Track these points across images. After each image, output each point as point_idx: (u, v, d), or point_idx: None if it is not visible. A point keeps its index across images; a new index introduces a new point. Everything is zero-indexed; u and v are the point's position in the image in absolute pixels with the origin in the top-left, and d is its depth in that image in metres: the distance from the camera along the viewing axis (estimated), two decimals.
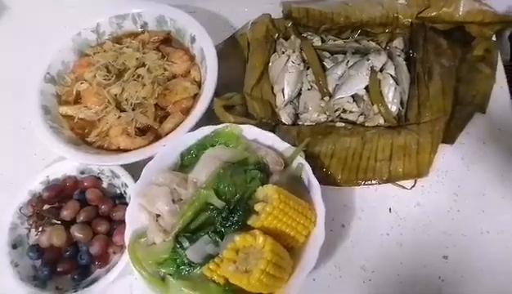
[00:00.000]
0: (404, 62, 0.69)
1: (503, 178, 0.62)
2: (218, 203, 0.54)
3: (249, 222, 0.53)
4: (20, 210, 0.63)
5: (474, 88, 0.68)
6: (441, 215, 0.61)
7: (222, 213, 0.53)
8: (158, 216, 0.57)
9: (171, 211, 0.56)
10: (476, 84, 0.68)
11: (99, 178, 0.67)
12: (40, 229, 0.62)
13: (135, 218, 0.57)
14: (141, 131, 0.67)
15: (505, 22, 0.71)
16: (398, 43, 0.71)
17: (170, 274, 0.54)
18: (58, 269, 0.61)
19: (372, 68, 0.67)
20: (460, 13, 0.70)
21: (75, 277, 0.60)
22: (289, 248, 0.54)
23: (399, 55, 0.69)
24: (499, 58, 0.70)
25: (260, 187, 0.54)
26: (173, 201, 0.57)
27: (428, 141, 0.62)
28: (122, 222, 0.59)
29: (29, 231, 0.64)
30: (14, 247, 0.62)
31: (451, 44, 0.69)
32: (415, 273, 0.57)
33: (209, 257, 0.52)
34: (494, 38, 0.72)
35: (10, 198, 0.65)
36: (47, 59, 0.72)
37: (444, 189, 0.62)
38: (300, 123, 0.67)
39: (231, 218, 0.53)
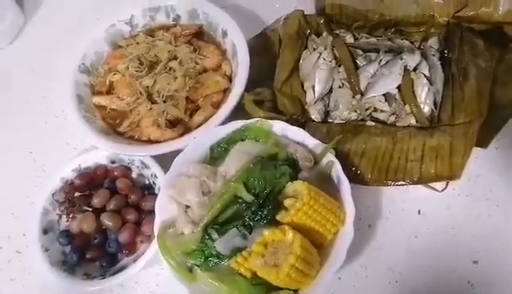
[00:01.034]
0: (439, 62, 0.67)
1: None
2: (247, 197, 0.54)
3: (278, 217, 0.53)
4: (52, 196, 0.64)
5: (511, 91, 0.66)
6: (472, 219, 0.60)
7: (252, 207, 0.53)
8: (187, 207, 0.57)
9: (200, 203, 0.56)
10: None
11: (129, 168, 0.68)
12: (71, 215, 0.64)
13: (164, 208, 0.58)
14: (172, 124, 0.68)
15: None
16: (433, 43, 0.70)
17: (197, 265, 0.54)
18: (87, 256, 0.62)
19: (405, 67, 0.66)
20: (500, 13, 0.68)
21: (103, 264, 0.61)
22: (317, 245, 0.54)
23: (434, 55, 0.68)
24: None
25: (290, 183, 0.54)
26: (203, 193, 0.57)
27: (462, 144, 0.60)
28: (150, 212, 0.60)
29: (60, 217, 0.65)
30: (45, 232, 0.64)
31: (488, 45, 0.67)
32: (444, 278, 0.57)
33: (237, 250, 0.53)
34: None
35: (42, 184, 0.67)
36: (81, 49, 0.74)
37: (476, 193, 0.61)
38: (330, 121, 0.67)
39: (260, 212, 0.53)
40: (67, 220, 0.64)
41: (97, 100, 0.71)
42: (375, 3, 0.71)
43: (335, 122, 0.67)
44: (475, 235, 0.59)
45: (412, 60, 0.67)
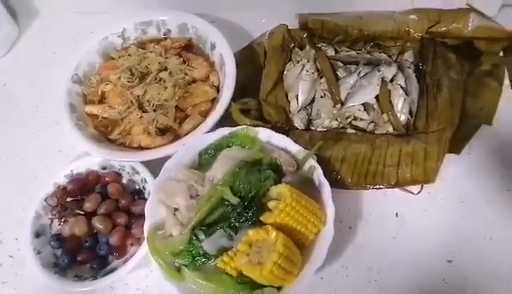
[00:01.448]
0: (414, 74, 0.71)
1: (507, 187, 0.64)
2: (233, 200, 0.56)
3: (262, 218, 0.55)
4: (45, 200, 0.66)
5: (482, 101, 0.70)
6: (446, 220, 0.63)
7: (237, 209, 0.56)
8: (176, 210, 0.60)
9: (188, 206, 0.59)
10: (483, 97, 0.70)
11: (120, 174, 0.70)
12: (63, 219, 0.66)
13: (154, 211, 0.60)
14: (162, 131, 0.71)
15: None
16: (409, 56, 0.74)
17: (185, 265, 0.57)
18: (78, 259, 0.64)
19: (383, 78, 0.70)
20: (469, 28, 0.73)
21: (94, 266, 0.63)
22: (299, 245, 0.56)
23: (409, 67, 0.72)
24: (506, 73, 0.72)
25: (274, 186, 0.57)
26: (191, 196, 0.60)
27: (435, 150, 0.64)
28: (140, 216, 0.63)
29: (52, 221, 0.67)
30: (37, 235, 0.65)
31: (459, 58, 0.72)
32: (420, 276, 0.59)
33: (223, 250, 0.55)
34: (501, 54, 0.75)
35: (34, 190, 0.69)
36: (75, 60, 0.77)
37: (450, 196, 0.64)
38: (313, 128, 0.71)
39: (246, 214, 0.56)
40: (59, 224, 0.66)
41: (89, 108, 0.74)
42: (354, 19, 0.76)
43: (317, 129, 0.70)
44: (450, 236, 0.62)
45: (389, 72, 0.71)
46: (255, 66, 0.78)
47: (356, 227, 0.64)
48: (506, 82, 0.72)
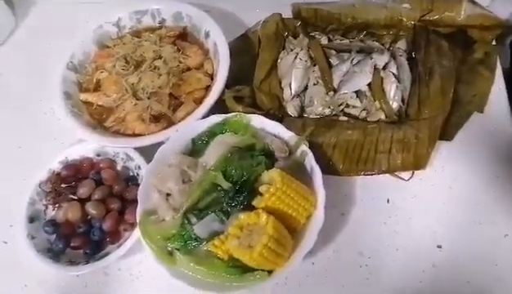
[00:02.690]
0: (406, 62, 0.72)
1: (496, 174, 0.64)
2: (225, 184, 0.57)
3: (254, 203, 0.56)
4: (39, 186, 0.67)
5: (474, 89, 0.71)
6: (436, 206, 0.63)
7: (229, 193, 0.56)
8: (168, 194, 0.60)
9: (180, 191, 0.59)
10: (475, 85, 0.71)
11: (114, 161, 0.71)
12: (57, 205, 0.66)
13: (146, 196, 0.61)
14: (156, 118, 0.71)
15: (505, 27, 0.74)
16: (401, 44, 0.75)
17: (177, 249, 0.57)
18: (72, 244, 0.64)
19: (375, 66, 0.71)
20: (462, 17, 0.73)
21: (87, 251, 0.64)
22: (290, 229, 0.57)
23: (401, 56, 0.72)
24: (498, 61, 0.73)
25: (265, 171, 0.58)
26: (183, 181, 0.60)
27: (426, 136, 0.65)
28: (134, 201, 0.63)
29: (47, 207, 0.68)
30: (31, 220, 0.66)
31: (451, 46, 0.72)
32: (410, 260, 0.60)
33: (215, 234, 0.56)
34: (494, 43, 0.75)
35: (30, 177, 0.69)
36: (70, 49, 0.77)
37: (440, 183, 0.65)
38: (306, 116, 0.71)
39: (237, 198, 0.56)
40: (53, 210, 0.67)
41: (85, 96, 0.74)
42: (347, 7, 0.76)
43: (310, 116, 0.71)
44: (439, 221, 0.62)
45: (381, 59, 0.71)
46: (250, 55, 0.78)
47: (348, 213, 0.65)
48: (498, 70, 0.73)
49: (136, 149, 0.68)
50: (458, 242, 0.61)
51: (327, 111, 0.70)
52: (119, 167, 0.71)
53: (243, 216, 0.54)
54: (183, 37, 0.80)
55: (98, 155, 0.71)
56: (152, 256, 0.58)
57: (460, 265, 0.59)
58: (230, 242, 0.54)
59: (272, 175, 0.56)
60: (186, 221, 0.57)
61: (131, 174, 0.70)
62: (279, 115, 0.70)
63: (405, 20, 0.75)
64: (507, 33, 0.79)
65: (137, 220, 0.60)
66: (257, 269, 0.54)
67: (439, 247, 0.61)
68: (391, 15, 0.75)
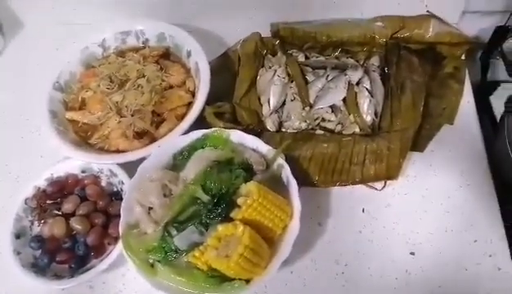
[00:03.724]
0: (379, 77, 0.75)
1: (467, 182, 0.67)
2: (204, 197, 0.59)
3: (232, 214, 0.58)
4: (25, 202, 0.69)
5: (444, 102, 0.74)
6: (409, 215, 0.66)
7: (208, 206, 0.58)
8: (150, 208, 0.62)
9: (162, 204, 0.61)
10: (445, 98, 0.74)
11: (98, 177, 0.72)
12: (42, 220, 0.68)
13: (129, 210, 0.63)
14: (139, 135, 0.73)
15: (471, 44, 0.77)
16: (375, 60, 0.78)
17: (158, 261, 0.59)
18: (57, 259, 0.65)
19: (349, 82, 0.74)
20: (430, 34, 0.77)
21: (72, 266, 0.65)
22: (267, 239, 0.58)
23: (374, 71, 0.76)
24: (467, 75, 0.76)
25: (243, 184, 0.60)
26: (165, 195, 0.62)
27: (398, 147, 0.67)
28: (117, 216, 0.64)
29: (32, 223, 0.69)
30: (17, 236, 0.67)
31: (422, 62, 0.76)
32: (384, 267, 0.62)
33: (195, 245, 0.57)
34: (463, 57, 0.79)
35: (16, 193, 0.71)
36: (57, 69, 0.80)
37: (413, 192, 0.68)
38: (284, 130, 0.74)
39: (216, 210, 0.58)
40: (38, 225, 0.68)
41: (70, 114, 0.76)
42: (322, 26, 0.80)
43: (288, 131, 0.73)
44: (412, 229, 0.65)
45: (355, 75, 0.75)
46: (230, 72, 0.81)
47: (325, 223, 0.67)
48: (467, 83, 0.76)
49: (120, 165, 0.70)
50: (430, 249, 0.63)
51: (304, 125, 0.73)
52: (103, 183, 0.72)
53: (221, 228, 0.56)
54: (166, 56, 0.83)
55: (83, 172, 0.73)
56: (133, 267, 0.59)
57: (432, 270, 0.61)
58: (208, 252, 0.55)
59: (250, 187, 0.58)
60: (167, 234, 0.59)
61: (115, 189, 0.71)
62: (258, 130, 0.72)
63: (377, 37, 0.79)
64: (476, 49, 0.83)
65: (120, 234, 0.62)
66: (235, 279, 0.56)
67: (412, 253, 0.63)
68: (364, 32, 0.79)
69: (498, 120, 0.74)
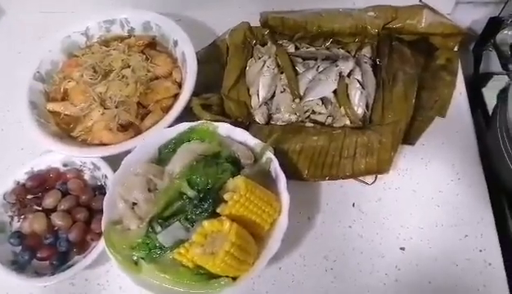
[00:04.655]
0: (370, 68, 0.74)
1: (458, 176, 0.66)
2: (190, 192, 0.57)
3: (218, 210, 0.56)
4: (3, 197, 0.66)
5: (436, 94, 0.73)
6: (400, 209, 0.65)
7: (194, 201, 0.57)
8: (134, 204, 0.60)
9: (146, 200, 0.59)
10: (438, 90, 0.73)
11: (81, 170, 0.70)
12: (22, 216, 0.66)
13: (112, 206, 0.61)
14: (124, 127, 0.71)
15: (465, 35, 0.76)
16: (367, 51, 0.76)
17: (142, 258, 0.57)
18: (38, 255, 0.63)
19: (340, 73, 0.72)
20: (423, 25, 0.75)
21: (54, 262, 0.63)
22: (255, 235, 0.57)
23: (366, 62, 0.74)
24: (459, 67, 0.75)
25: (230, 179, 0.58)
26: (149, 190, 0.60)
27: (389, 141, 0.66)
28: (101, 211, 0.62)
29: (12, 219, 0.67)
30: None
31: (414, 53, 0.74)
32: (374, 263, 0.61)
33: (180, 242, 0.56)
34: (456, 49, 0.78)
35: None
36: (38, 58, 0.77)
37: (404, 186, 0.66)
38: (273, 123, 0.72)
39: (202, 206, 0.56)
40: (18, 221, 0.66)
41: (51, 106, 0.74)
42: (313, 16, 0.78)
43: (278, 123, 0.72)
44: (403, 224, 0.64)
45: (346, 66, 0.73)
46: (219, 63, 0.79)
47: (314, 218, 0.66)
48: (460, 75, 0.75)
49: (103, 158, 0.68)
50: (420, 245, 0.62)
51: (294, 118, 0.71)
52: (86, 177, 0.70)
53: (207, 224, 0.55)
54: (152, 46, 0.80)
55: (65, 165, 0.70)
56: (116, 265, 0.57)
57: (422, 266, 0.60)
58: (194, 249, 0.54)
59: (237, 182, 0.57)
60: (151, 230, 0.57)
61: (98, 183, 0.69)
62: (246, 123, 0.71)
63: (369, 27, 0.77)
64: (469, 40, 0.81)
65: (102, 230, 0.60)
66: (222, 276, 0.55)
67: (402, 249, 0.62)
68: (356, 23, 0.77)
69: (490, 113, 0.73)
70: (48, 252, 0.64)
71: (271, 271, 0.62)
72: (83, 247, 0.64)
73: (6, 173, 0.71)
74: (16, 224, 0.66)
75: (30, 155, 0.75)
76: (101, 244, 0.62)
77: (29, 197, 0.67)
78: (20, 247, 0.64)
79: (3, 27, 0.97)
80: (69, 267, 0.62)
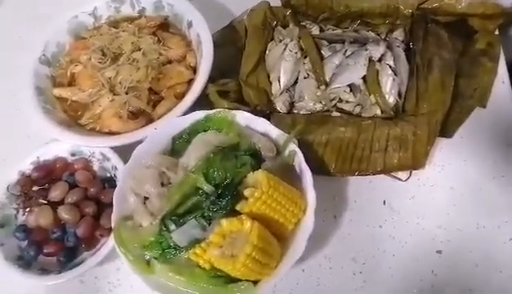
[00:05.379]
0: (403, 53, 0.68)
1: (500, 174, 0.61)
2: (207, 187, 0.53)
3: (238, 207, 0.52)
4: (7, 189, 0.62)
5: (475, 82, 0.67)
6: (436, 208, 0.60)
7: (211, 197, 0.52)
8: (146, 198, 0.56)
9: (159, 194, 0.55)
10: (477, 78, 0.67)
11: (89, 161, 0.66)
12: (28, 209, 0.62)
13: (122, 200, 0.57)
14: (134, 115, 0.67)
15: (508, 15, 0.69)
16: (399, 34, 0.70)
17: (155, 258, 0.53)
18: (44, 251, 0.60)
19: (370, 58, 0.67)
20: (463, 4, 0.69)
21: (61, 258, 0.60)
22: (277, 236, 0.53)
23: (398, 46, 0.68)
24: (501, 52, 0.69)
25: (251, 173, 0.53)
26: (162, 184, 0.56)
27: (425, 133, 0.60)
28: (110, 205, 0.58)
29: (17, 212, 0.63)
30: (1, 226, 0.61)
31: (452, 37, 0.68)
32: (408, 267, 0.57)
33: (196, 242, 0.51)
34: (497, 32, 0.71)
35: (0, 178, 0.65)
36: (43, 40, 0.73)
37: (440, 183, 0.61)
38: (295, 112, 0.67)
39: (220, 203, 0.52)
40: (23, 214, 0.62)
41: (58, 91, 0.70)
42: None
43: (300, 113, 0.67)
44: (440, 225, 0.59)
45: (377, 50, 0.67)
46: (236, 46, 0.74)
47: (340, 216, 0.61)
48: (502, 62, 0.69)
49: (113, 148, 0.63)
50: (459, 248, 0.57)
51: (318, 106, 0.66)
52: (95, 168, 0.66)
53: (225, 223, 0.50)
54: (164, 27, 0.76)
55: (73, 155, 0.66)
56: (127, 264, 0.53)
57: (461, 271, 0.56)
58: (211, 251, 0.49)
59: (258, 177, 0.52)
60: (164, 228, 0.53)
61: (108, 175, 0.65)
62: (266, 111, 0.65)
63: (402, 7, 0.71)
64: (510, 22, 0.74)
65: (112, 226, 0.55)
66: (241, 280, 0.50)
67: (439, 252, 0.57)
68: (387, 2, 0.71)
69: None
70: (55, 247, 0.60)
71: (293, 273, 0.58)
72: (91, 242, 0.61)
73: (11, 163, 0.67)
74: (22, 218, 0.63)
75: (37, 143, 0.71)
76: (111, 241, 0.58)
77: (34, 188, 0.63)
78: (26, 242, 0.61)
79: (5, 7, 0.92)
80: (77, 264, 0.58)
